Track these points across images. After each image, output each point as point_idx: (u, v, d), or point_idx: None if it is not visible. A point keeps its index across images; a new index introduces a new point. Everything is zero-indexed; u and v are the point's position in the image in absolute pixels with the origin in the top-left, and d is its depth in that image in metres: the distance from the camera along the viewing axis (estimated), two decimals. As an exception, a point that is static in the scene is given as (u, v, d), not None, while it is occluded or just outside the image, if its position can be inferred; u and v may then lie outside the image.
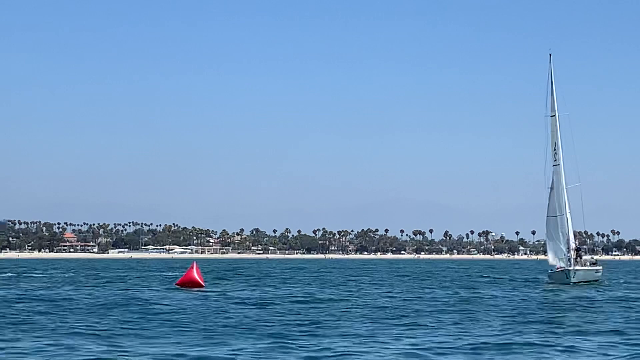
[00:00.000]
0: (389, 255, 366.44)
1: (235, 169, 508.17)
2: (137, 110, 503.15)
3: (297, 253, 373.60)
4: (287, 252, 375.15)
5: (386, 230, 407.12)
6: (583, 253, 73.69)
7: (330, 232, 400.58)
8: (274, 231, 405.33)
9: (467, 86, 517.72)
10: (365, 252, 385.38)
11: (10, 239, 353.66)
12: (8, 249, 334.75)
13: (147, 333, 27.42)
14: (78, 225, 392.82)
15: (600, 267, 70.07)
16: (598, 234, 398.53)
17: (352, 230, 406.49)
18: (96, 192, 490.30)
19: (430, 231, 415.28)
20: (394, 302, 43.51)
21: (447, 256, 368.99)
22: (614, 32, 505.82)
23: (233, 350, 23.31)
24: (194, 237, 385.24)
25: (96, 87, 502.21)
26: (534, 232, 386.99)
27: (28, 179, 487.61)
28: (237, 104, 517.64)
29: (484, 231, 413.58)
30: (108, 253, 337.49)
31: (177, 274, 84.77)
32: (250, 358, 22.04)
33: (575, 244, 69.19)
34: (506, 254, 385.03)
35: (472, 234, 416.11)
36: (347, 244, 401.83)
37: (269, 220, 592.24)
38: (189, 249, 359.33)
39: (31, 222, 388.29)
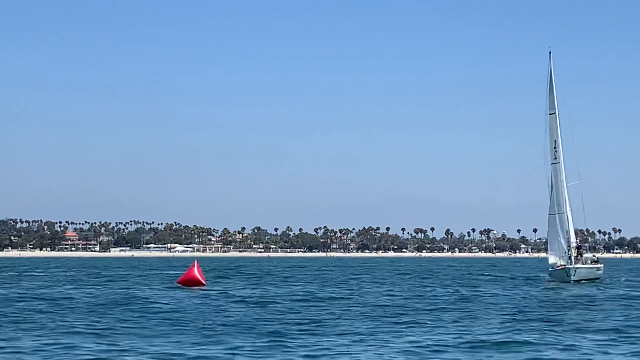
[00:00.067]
0: (391, 254, 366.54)
1: (236, 168, 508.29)
2: (138, 109, 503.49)
3: (298, 251, 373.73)
4: (288, 250, 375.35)
5: (387, 229, 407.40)
6: (584, 251, 73.74)
7: (332, 231, 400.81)
8: (276, 229, 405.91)
9: (468, 84, 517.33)
10: (367, 250, 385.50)
11: (12, 237, 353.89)
12: (10, 247, 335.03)
13: (146, 332, 27.45)
14: (80, 223, 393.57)
15: (602, 265, 70.03)
16: (599, 231, 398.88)
17: (353, 229, 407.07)
18: (97, 190, 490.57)
19: (432, 229, 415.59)
20: (394, 300, 43.53)
21: (449, 254, 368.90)
22: (615, 30, 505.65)
23: (232, 348, 23.35)
24: (196, 236, 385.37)
25: (97, 86, 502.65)
26: (535, 230, 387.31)
27: (30, 177, 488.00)
28: (238, 102, 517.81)
29: (485, 229, 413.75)
30: (110, 252, 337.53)
31: (179, 272, 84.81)
32: (249, 356, 22.07)
33: (577, 242, 69.17)
34: (508, 252, 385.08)
35: (473, 232, 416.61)
36: (349, 242, 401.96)
37: (270, 218, 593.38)
38: (190, 247, 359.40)
39: (33, 221, 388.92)
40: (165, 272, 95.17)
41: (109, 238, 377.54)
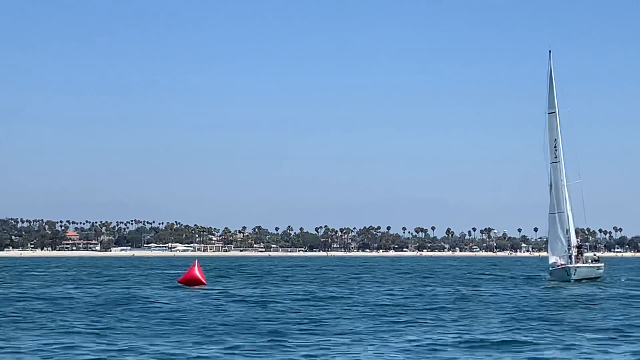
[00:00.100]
0: (391, 253, 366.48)
1: (237, 167, 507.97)
2: (138, 109, 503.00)
3: (299, 251, 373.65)
4: (289, 249, 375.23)
5: (388, 228, 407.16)
6: (585, 250, 73.68)
7: (333, 230, 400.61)
8: (276, 229, 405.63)
9: (468, 84, 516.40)
10: (368, 250, 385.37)
11: (13, 237, 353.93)
12: (11, 247, 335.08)
13: (147, 331, 27.46)
14: (80, 223, 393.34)
15: (602, 264, 70.02)
16: (600, 230, 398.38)
17: (354, 228, 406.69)
18: (98, 190, 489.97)
19: (433, 228, 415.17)
20: (395, 299, 43.53)
21: (449, 253, 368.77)
22: (615, 30, 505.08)
23: (232, 348, 23.36)
24: (196, 235, 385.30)
25: (97, 86, 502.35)
26: (536, 229, 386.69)
27: (30, 177, 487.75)
28: (239, 102, 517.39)
29: (486, 228, 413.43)
30: (110, 251, 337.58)
31: (179, 271, 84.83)
32: (249, 356, 22.07)
33: (577, 241, 69.13)
34: (508, 251, 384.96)
35: (474, 231, 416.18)
36: (350, 241, 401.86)
37: (271, 218, 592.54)
38: (191, 246, 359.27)
39: (33, 221, 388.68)
40: (166, 271, 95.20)
41: (110, 237, 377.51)
